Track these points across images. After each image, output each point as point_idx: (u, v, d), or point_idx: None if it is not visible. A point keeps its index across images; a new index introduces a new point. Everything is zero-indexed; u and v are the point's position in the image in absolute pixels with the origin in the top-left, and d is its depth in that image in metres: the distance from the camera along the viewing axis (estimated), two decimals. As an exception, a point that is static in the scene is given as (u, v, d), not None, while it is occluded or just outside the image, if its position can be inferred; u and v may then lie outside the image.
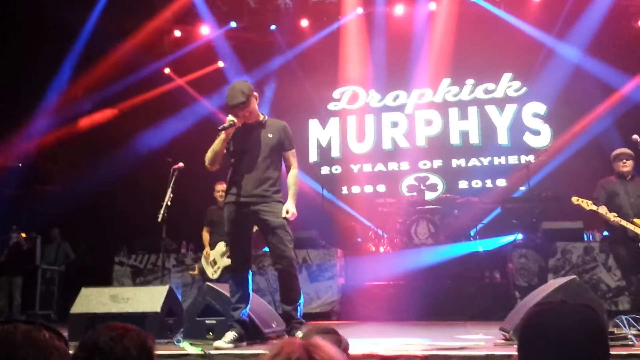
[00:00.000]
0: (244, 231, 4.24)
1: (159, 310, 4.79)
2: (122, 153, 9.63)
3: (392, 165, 10.66)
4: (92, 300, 5.01)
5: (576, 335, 1.46)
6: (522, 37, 9.93)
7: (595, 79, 9.41)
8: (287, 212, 4.14)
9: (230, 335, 4.07)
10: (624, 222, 5.48)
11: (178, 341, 4.30)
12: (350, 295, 7.89)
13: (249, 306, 4.26)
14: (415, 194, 9.70)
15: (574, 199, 5.63)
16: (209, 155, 4.19)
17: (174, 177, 5.88)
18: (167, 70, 11.10)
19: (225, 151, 4.25)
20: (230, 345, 3.96)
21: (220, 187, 6.53)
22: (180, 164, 5.98)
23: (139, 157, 9.62)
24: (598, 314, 1.58)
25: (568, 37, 9.77)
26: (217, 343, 3.99)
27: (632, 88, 9.43)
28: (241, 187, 4.16)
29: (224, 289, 4.69)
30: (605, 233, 6.52)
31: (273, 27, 10.92)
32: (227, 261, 6.30)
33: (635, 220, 5.54)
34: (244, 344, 4.10)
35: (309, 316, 6.39)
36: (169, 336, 4.63)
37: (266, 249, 7.95)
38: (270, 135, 4.26)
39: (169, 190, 5.77)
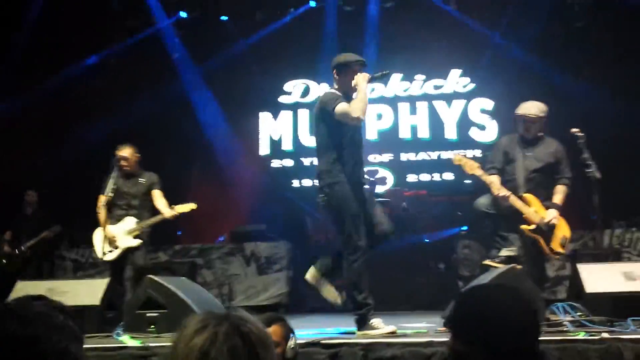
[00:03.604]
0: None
1: (98, 303, 4.68)
2: (54, 150, 9.29)
3: (343, 159, 10.66)
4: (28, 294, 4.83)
5: (505, 311, 1.55)
6: (470, 33, 10.11)
7: (541, 77, 9.68)
8: None
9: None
10: (512, 198, 4.55)
11: (118, 335, 4.20)
12: (299, 288, 7.87)
13: None
14: (367, 186, 9.78)
15: (456, 158, 4.77)
16: (362, 106, 4.20)
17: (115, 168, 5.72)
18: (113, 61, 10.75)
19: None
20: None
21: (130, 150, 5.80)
22: (123, 153, 5.82)
23: (79, 151, 9.31)
24: (523, 291, 1.72)
25: (514, 35, 10.01)
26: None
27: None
28: (355, 170, 4.47)
29: (167, 281, 4.60)
30: None
31: (224, 17, 10.75)
32: (132, 241, 5.56)
33: (526, 196, 4.69)
34: None
35: (257, 309, 6.34)
36: (109, 330, 4.52)
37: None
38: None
39: (111, 181, 5.61)
